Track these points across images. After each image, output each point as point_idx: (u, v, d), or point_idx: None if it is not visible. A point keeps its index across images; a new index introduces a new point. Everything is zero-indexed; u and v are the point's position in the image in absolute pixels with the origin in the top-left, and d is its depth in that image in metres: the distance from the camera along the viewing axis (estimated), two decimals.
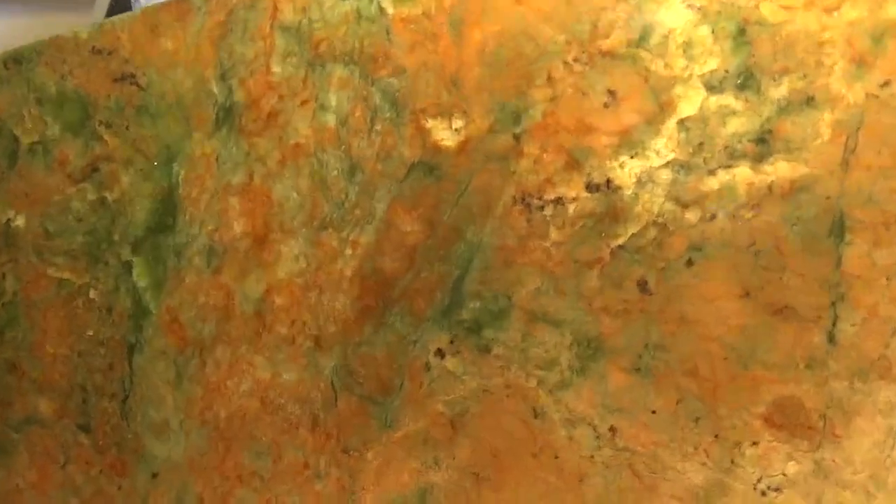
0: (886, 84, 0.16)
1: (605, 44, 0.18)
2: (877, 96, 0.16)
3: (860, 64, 0.17)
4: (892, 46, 0.16)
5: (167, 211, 0.20)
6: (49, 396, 0.21)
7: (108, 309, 0.20)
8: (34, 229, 0.21)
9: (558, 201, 0.18)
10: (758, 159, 0.17)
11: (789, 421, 0.17)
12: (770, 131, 0.17)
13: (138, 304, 0.20)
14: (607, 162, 0.18)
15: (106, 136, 0.20)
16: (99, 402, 0.20)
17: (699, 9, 0.17)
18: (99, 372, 0.20)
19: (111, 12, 1.03)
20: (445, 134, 0.19)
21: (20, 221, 0.21)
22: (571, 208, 0.18)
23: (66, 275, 0.20)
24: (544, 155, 0.19)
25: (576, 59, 0.18)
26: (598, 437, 0.18)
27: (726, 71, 0.18)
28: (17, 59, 0.21)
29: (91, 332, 0.20)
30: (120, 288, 0.20)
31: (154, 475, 0.20)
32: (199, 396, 0.20)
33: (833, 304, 0.17)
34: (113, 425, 0.20)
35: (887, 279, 0.16)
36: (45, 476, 0.21)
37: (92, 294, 0.20)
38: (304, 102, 0.20)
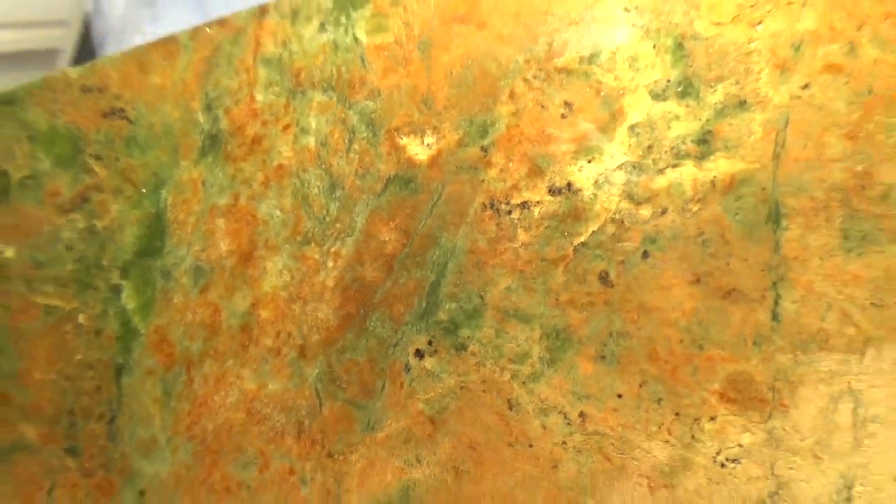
0: (806, 86, 0.19)
1: (560, 62, 0.20)
2: (799, 97, 0.18)
3: (783, 70, 0.19)
4: (809, 53, 0.19)
5: (155, 235, 0.21)
6: (36, 423, 0.21)
7: (96, 332, 0.21)
8: (23, 260, 0.21)
9: (524, 205, 0.20)
10: (700, 158, 0.19)
11: (742, 395, 0.18)
12: (710, 132, 0.19)
13: (127, 327, 0.21)
14: (567, 167, 0.20)
15: (96, 168, 0.21)
16: (86, 425, 0.21)
17: (641, 27, 0.20)
18: (87, 395, 0.21)
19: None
20: (418, 149, 0.21)
21: (10, 253, 0.21)
22: (536, 211, 0.20)
23: (55, 302, 0.21)
24: (510, 164, 0.20)
25: (535, 77, 0.20)
26: (569, 424, 0.19)
27: (668, 81, 0.20)
28: (9, 101, 0.22)
29: (79, 357, 0.21)
30: (108, 311, 0.21)
31: (141, 493, 0.20)
32: (187, 412, 0.20)
33: (774, 284, 0.18)
34: (100, 447, 0.21)
35: (820, 259, 0.18)
36: (30, 503, 0.21)
37: (80, 319, 0.21)
38: (286, 127, 0.21)
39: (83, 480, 0.21)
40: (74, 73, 0.22)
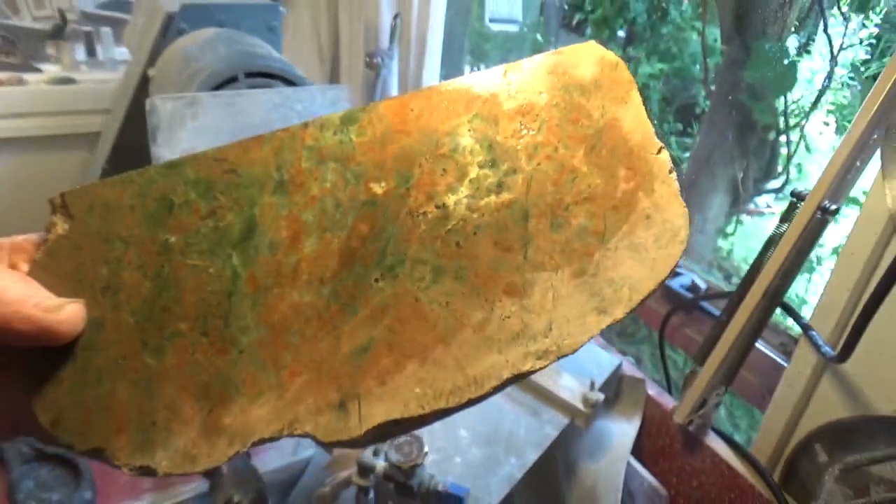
0: (539, 164, 0.41)
1: (442, 150, 0.43)
2: (537, 168, 0.41)
3: (530, 156, 0.41)
4: (541, 151, 0.41)
5: (251, 229, 0.41)
6: (185, 321, 0.36)
7: (218, 276, 0.38)
8: (180, 242, 0.38)
9: (424, 213, 0.42)
10: (498, 193, 0.41)
11: (510, 290, 0.40)
12: (503, 182, 0.42)
13: (235, 273, 0.39)
14: (443, 197, 0.42)
15: (220, 197, 0.41)
16: (212, 321, 0.35)
17: (475, 138, 0.42)
18: (212, 307, 0.35)
19: (113, 156, 1.27)
20: (378, 188, 0.43)
21: (172, 239, 0.41)
22: (430, 215, 0.42)
23: (196, 262, 0.38)
24: (418, 195, 0.42)
25: (428, 158, 0.43)
26: (441, 307, 0.41)
27: (485, 160, 0.42)
28: (174, 165, 0.39)
29: (209, 288, 0.36)
30: (225, 266, 0.37)
31: (241, 351, 0.38)
32: (264, 312, 0.40)
33: (524, 245, 0.40)
34: (220, 330, 0.35)
35: (542, 234, 0.40)
36: (183, 361, 0.35)
37: (210, 270, 0.36)
38: (315, 178, 0.42)
39: (210, 348, 0.36)
40: (210, 152, 0.44)
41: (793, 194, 0.82)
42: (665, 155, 0.40)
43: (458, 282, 0.38)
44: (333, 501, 0.75)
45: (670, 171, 0.40)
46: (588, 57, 0.42)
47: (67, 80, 1.67)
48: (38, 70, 1.74)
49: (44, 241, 0.35)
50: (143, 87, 1.37)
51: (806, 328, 0.80)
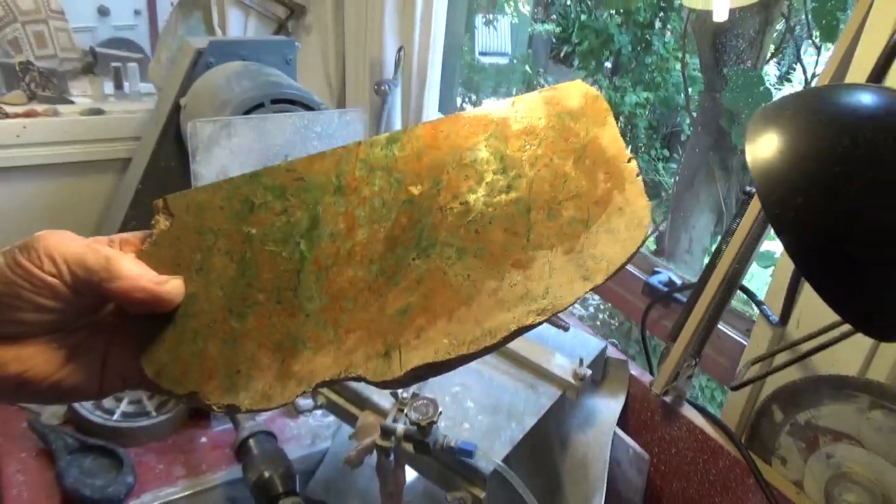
0: (532, 167, 0.53)
1: (464, 161, 0.53)
2: (537, 174, 0.53)
3: (532, 164, 0.51)
4: (540, 160, 0.53)
5: (315, 223, 0.47)
6: (263, 293, 0.41)
7: (289, 258, 0.42)
8: (260, 234, 0.42)
9: (451, 208, 0.53)
10: (507, 193, 0.53)
11: (518, 263, 0.51)
12: (511, 185, 0.51)
13: (302, 256, 0.42)
14: (465, 196, 0.53)
15: (291, 199, 0.43)
16: (285, 293, 0.41)
17: (490, 152, 0.54)
18: (284, 281, 0.41)
19: (145, 177, 1.39)
20: (415, 190, 0.53)
21: (254, 231, 0.46)
22: (455, 210, 0.53)
23: (273, 248, 0.42)
24: (446, 195, 0.54)
25: (454, 167, 0.54)
26: (463, 278, 0.52)
27: (498, 168, 0.53)
28: (255, 175, 0.46)
29: (282, 267, 0.41)
30: (295, 250, 0.42)
31: (307, 315, 0.43)
32: (326, 284, 0.43)
33: (528, 231, 0.52)
34: (290, 300, 0.41)
35: (540, 219, 0.52)
36: (261, 323, 0.41)
37: (283, 254, 0.42)
38: (366, 184, 0.51)
39: (283, 312, 0.40)
40: (283, 164, 0.54)
41: (745, 192, 0.95)
42: (633, 164, 0.52)
43: (476, 259, 0.45)
44: (359, 464, 0.85)
45: (637, 175, 0.51)
46: (576, 92, 0.53)
47: (97, 111, 1.79)
48: (71, 102, 1.86)
49: (148, 235, 0.40)
50: (173, 115, 1.48)
51: (759, 304, 0.93)
